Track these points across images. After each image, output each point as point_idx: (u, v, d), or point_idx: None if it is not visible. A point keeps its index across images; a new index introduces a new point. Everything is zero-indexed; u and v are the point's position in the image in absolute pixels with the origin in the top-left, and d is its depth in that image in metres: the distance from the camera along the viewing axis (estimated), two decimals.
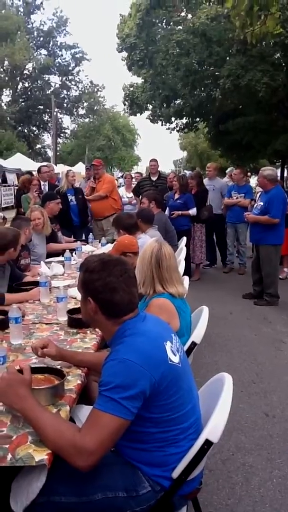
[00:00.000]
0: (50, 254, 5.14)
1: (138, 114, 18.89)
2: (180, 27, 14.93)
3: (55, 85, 45.49)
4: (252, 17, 5.82)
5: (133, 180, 9.56)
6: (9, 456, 1.45)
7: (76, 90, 46.78)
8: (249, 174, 12.97)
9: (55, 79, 45.89)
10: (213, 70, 13.90)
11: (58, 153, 39.60)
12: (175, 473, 1.58)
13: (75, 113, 47.10)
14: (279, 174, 14.97)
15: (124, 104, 18.86)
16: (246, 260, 8.09)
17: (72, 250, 4.96)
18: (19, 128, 41.18)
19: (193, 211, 7.14)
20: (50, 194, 6.16)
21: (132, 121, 47.29)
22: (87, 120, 46.45)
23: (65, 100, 45.67)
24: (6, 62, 37.93)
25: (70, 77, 46.19)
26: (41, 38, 44.55)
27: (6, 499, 1.51)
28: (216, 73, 13.51)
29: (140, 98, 17.42)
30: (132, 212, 6.46)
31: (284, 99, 13.30)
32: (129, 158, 47.68)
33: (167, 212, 7.08)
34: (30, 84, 43.88)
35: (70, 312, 2.81)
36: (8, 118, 37.52)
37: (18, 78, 42.18)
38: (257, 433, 3.15)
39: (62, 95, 45.40)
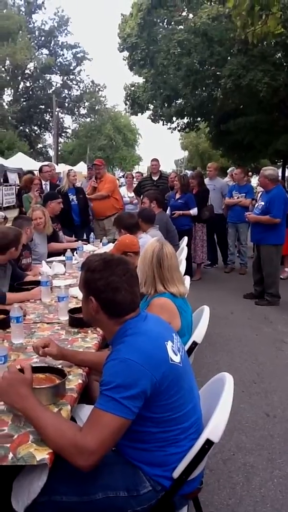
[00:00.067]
0: (51, 254, 5.15)
1: (139, 114, 18.91)
2: (181, 26, 14.93)
3: (56, 85, 45.58)
4: (253, 17, 5.81)
5: (134, 179, 9.55)
6: (11, 455, 1.45)
7: (77, 90, 46.87)
8: (250, 174, 12.95)
9: (57, 78, 46.01)
10: (214, 70, 13.90)
11: (59, 153, 39.59)
12: (176, 473, 1.59)
13: (77, 112, 47.14)
14: (280, 174, 14.96)
15: (126, 104, 18.87)
16: (247, 260, 8.08)
17: (73, 250, 4.97)
18: (21, 127, 41.20)
19: (194, 211, 7.14)
20: (52, 194, 6.17)
21: (133, 121, 47.36)
22: (88, 119, 46.47)
23: (67, 100, 45.68)
24: (7, 62, 37.95)
25: (71, 77, 46.22)
26: (43, 38, 44.57)
27: (8, 498, 1.52)
28: (217, 73, 13.51)
29: (141, 97, 17.43)
30: (134, 211, 6.46)
31: (285, 99, 13.29)
32: (131, 157, 47.68)
33: (168, 211, 7.08)
34: (31, 83, 43.89)
35: (71, 311, 2.82)
36: (10, 118, 37.52)
37: (19, 78, 42.20)
38: (258, 433, 3.15)
39: (64, 95, 45.40)
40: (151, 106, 18.12)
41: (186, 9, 15.47)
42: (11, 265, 3.63)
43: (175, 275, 2.64)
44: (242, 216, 7.14)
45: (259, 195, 7.15)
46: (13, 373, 1.61)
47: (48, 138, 46.50)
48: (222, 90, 13.08)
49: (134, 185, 9.03)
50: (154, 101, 17.38)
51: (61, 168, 20.66)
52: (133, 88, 18.13)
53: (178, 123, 19.22)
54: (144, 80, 17.47)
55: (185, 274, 3.61)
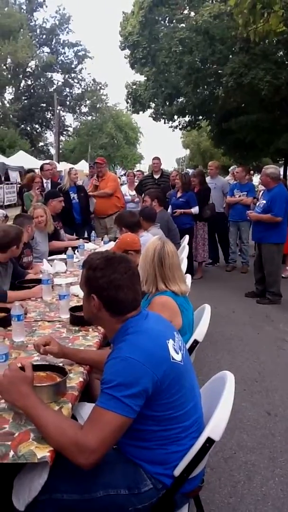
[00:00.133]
0: (52, 252, 5.15)
1: (141, 112, 18.92)
2: (183, 25, 14.92)
3: (57, 83, 45.59)
4: (255, 15, 5.82)
5: (135, 178, 9.55)
6: (11, 453, 1.45)
7: (78, 88, 46.88)
8: (251, 172, 12.94)
9: (58, 77, 46.03)
10: (216, 68, 13.89)
11: (60, 151, 39.54)
12: (177, 471, 1.58)
13: (78, 111, 47.15)
14: (282, 173, 14.96)
15: (127, 102, 18.87)
16: (248, 258, 8.08)
17: (74, 248, 4.97)
18: (22, 126, 41.24)
19: (195, 210, 7.13)
20: (53, 192, 6.16)
21: (134, 119, 47.38)
22: (89, 118, 46.49)
23: (68, 98, 45.67)
24: (9, 60, 37.95)
25: (72, 75, 46.21)
26: (44, 36, 44.56)
27: (9, 496, 1.52)
28: (219, 71, 13.50)
29: (143, 96, 17.43)
30: (135, 210, 6.46)
31: (287, 97, 13.27)
32: (132, 156, 47.68)
33: (169, 210, 7.08)
34: (32, 82, 43.90)
35: (72, 309, 2.82)
36: (11, 116, 37.57)
37: (20, 76, 42.21)
38: (259, 431, 3.15)
39: (65, 93, 45.39)
40: (153, 105, 18.12)
41: (187, 7, 15.46)
42: (12, 263, 3.62)
43: (176, 273, 2.64)
44: (244, 215, 7.14)
45: (261, 193, 7.14)
46: (14, 371, 1.61)
47: (50, 136, 46.62)
48: (224, 88, 13.08)
49: (136, 184, 9.02)
50: (155, 100, 17.38)
51: (62, 167, 20.63)
52: (134, 87, 18.13)
53: (179, 121, 19.23)
54: (145, 78, 17.47)
55: (186, 273, 3.61)
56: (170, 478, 1.59)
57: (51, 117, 43.56)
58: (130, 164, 45.37)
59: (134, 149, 49.38)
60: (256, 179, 13.92)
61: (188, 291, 2.75)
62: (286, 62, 12.55)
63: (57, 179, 8.77)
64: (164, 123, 18.73)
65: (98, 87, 46.41)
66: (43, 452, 1.45)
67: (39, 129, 46.22)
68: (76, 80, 46.60)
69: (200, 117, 18.07)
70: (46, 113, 44.94)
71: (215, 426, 1.55)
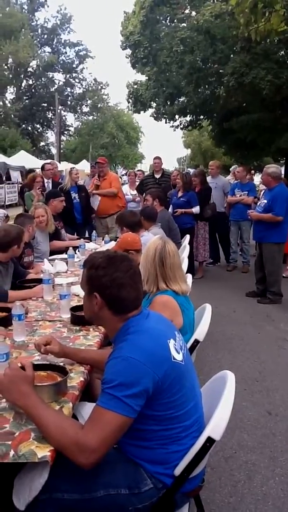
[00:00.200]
0: (53, 252, 5.15)
1: (142, 112, 18.90)
2: (184, 24, 14.92)
3: (59, 83, 45.57)
4: (257, 14, 5.82)
5: (136, 178, 9.56)
6: (12, 452, 1.45)
7: (80, 88, 46.86)
8: (252, 172, 12.94)
9: (59, 76, 46.03)
10: (217, 67, 13.89)
11: (61, 151, 39.55)
12: (177, 471, 1.58)
13: (79, 110, 47.14)
14: (283, 172, 14.94)
15: (128, 102, 18.87)
16: (249, 258, 8.08)
17: (75, 248, 4.97)
18: (23, 125, 41.23)
19: (196, 209, 7.13)
20: (54, 192, 6.16)
21: (136, 119, 47.37)
22: (91, 117, 46.47)
23: (69, 98, 45.67)
24: (10, 60, 37.97)
25: (74, 75, 46.19)
26: (45, 36, 44.56)
27: (9, 495, 1.52)
28: (220, 71, 13.50)
29: (144, 95, 17.42)
30: (136, 209, 6.46)
31: None
32: (133, 156, 47.67)
33: (170, 210, 7.08)
34: (34, 81, 43.90)
35: (73, 309, 2.82)
36: (12, 116, 37.56)
37: (22, 76, 42.22)
38: (260, 431, 3.15)
39: (66, 93, 45.40)
40: (154, 104, 18.11)
41: (188, 7, 15.45)
42: (13, 263, 3.63)
43: (177, 273, 2.64)
44: (245, 214, 7.14)
45: (262, 193, 7.14)
46: (15, 370, 1.61)
47: (51, 136, 46.59)
48: (225, 88, 13.06)
49: (137, 183, 9.03)
50: (156, 99, 17.37)
51: (64, 166, 20.66)
52: (135, 86, 18.12)
53: (180, 121, 19.21)
54: (146, 78, 17.46)
55: (187, 272, 3.61)
56: (170, 477, 1.59)
57: (52, 116, 43.54)
58: (131, 163, 45.37)
59: (135, 149, 49.38)
60: (257, 179, 13.93)
61: (189, 291, 2.75)
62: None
63: (58, 178, 8.78)
64: (165, 122, 18.72)
65: (99, 87, 46.42)
66: (43, 452, 1.45)
67: (40, 128, 46.23)
68: (77, 80, 46.63)
69: (201, 117, 18.05)
70: (47, 112, 44.94)
71: (216, 426, 1.55)
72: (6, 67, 38.82)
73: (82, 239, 5.71)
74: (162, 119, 18.49)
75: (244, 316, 5.71)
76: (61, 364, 2.05)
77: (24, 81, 43.36)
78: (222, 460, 2.80)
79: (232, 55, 13.31)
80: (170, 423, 1.59)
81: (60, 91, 42.19)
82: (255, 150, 17.31)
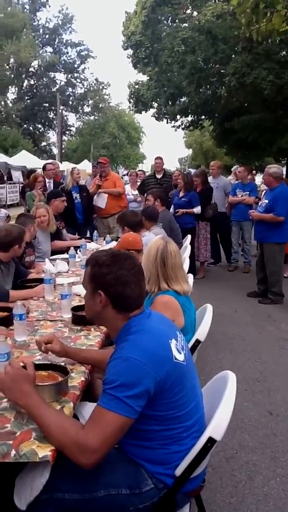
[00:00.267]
0: (54, 252, 5.15)
1: (143, 112, 18.91)
2: (185, 24, 14.92)
3: (60, 83, 45.61)
4: (258, 14, 5.82)
5: (137, 178, 9.57)
6: (13, 452, 1.46)
7: (81, 88, 46.91)
8: (254, 172, 12.93)
9: (61, 76, 46.04)
10: (218, 67, 13.89)
11: (63, 151, 39.59)
12: (178, 471, 1.58)
13: (81, 110, 47.15)
14: (284, 172, 14.92)
15: (130, 102, 18.87)
16: (251, 258, 8.07)
17: (76, 248, 4.97)
18: (25, 125, 41.26)
19: (197, 209, 7.13)
20: (56, 192, 6.17)
21: (137, 119, 47.38)
22: (92, 117, 46.49)
23: (71, 98, 45.71)
24: (11, 60, 38.03)
25: (75, 75, 46.22)
26: (47, 36, 44.61)
27: (10, 495, 1.52)
28: (222, 71, 13.49)
29: (145, 95, 17.42)
30: (137, 209, 6.46)
31: None
32: (134, 156, 47.68)
33: (171, 210, 7.08)
34: (35, 81, 43.95)
35: (75, 309, 2.82)
36: (14, 116, 37.61)
37: (23, 76, 42.28)
38: (261, 431, 3.14)
39: (68, 93, 45.45)
40: (155, 104, 18.11)
41: (190, 7, 15.45)
42: (14, 263, 3.63)
43: (179, 273, 2.64)
44: (246, 214, 7.13)
45: (263, 193, 7.14)
46: (16, 369, 1.61)
47: (52, 136, 46.62)
48: (226, 88, 13.06)
49: (138, 183, 9.03)
50: (158, 99, 17.37)
51: (65, 166, 20.70)
52: (137, 86, 18.12)
53: (182, 121, 19.21)
54: (148, 78, 17.47)
55: (188, 273, 3.61)
56: (171, 478, 1.59)
57: (54, 116, 43.57)
58: (132, 164, 45.40)
59: (136, 149, 49.38)
60: (258, 179, 13.92)
61: (190, 291, 2.75)
62: None
63: (59, 178, 8.78)
64: (167, 122, 18.73)
65: (101, 87, 46.42)
66: (44, 451, 1.45)
67: (42, 128, 46.26)
68: (78, 80, 46.67)
69: (203, 117, 18.05)
70: (49, 112, 44.97)
71: (217, 426, 1.55)
72: (7, 67, 38.89)
73: (83, 239, 5.72)
74: (164, 119, 18.50)
75: (245, 317, 5.70)
76: (62, 364, 2.05)
77: (26, 81, 43.42)
78: (223, 460, 2.79)
79: (233, 55, 13.31)
80: (171, 423, 1.59)
81: (61, 91, 42.22)
82: (256, 150, 17.30)
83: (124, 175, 24.38)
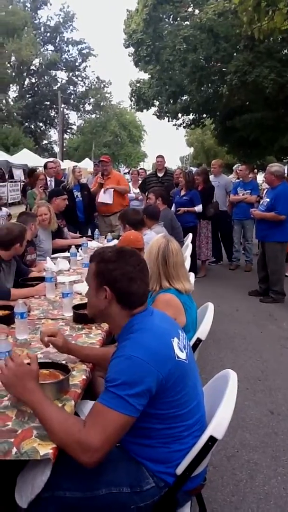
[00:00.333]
0: (56, 250, 5.15)
1: (144, 110, 18.88)
2: (187, 22, 14.89)
3: (61, 81, 45.54)
4: (260, 12, 5.80)
5: (139, 176, 9.56)
6: (14, 450, 1.46)
7: (82, 86, 46.82)
8: (255, 171, 12.93)
9: (62, 74, 45.93)
10: (220, 66, 13.88)
11: (64, 149, 39.59)
12: (179, 470, 1.58)
13: (82, 109, 47.10)
14: (286, 171, 14.91)
15: (131, 100, 18.85)
16: (252, 257, 8.07)
17: (78, 246, 4.97)
18: (26, 124, 41.23)
19: (198, 208, 7.13)
20: (57, 190, 6.16)
21: (138, 117, 47.33)
22: (93, 116, 46.44)
23: (72, 96, 45.66)
24: (13, 58, 37.97)
25: (76, 73, 46.15)
26: (48, 34, 44.55)
27: (12, 493, 1.52)
28: (223, 69, 13.49)
29: (146, 94, 17.40)
30: (139, 208, 6.45)
31: None
32: (136, 154, 47.63)
33: (173, 208, 7.07)
34: (36, 79, 43.91)
35: (76, 307, 2.82)
36: (15, 114, 37.57)
37: (25, 74, 42.22)
38: (262, 430, 3.14)
39: (69, 91, 45.38)
40: (157, 103, 18.10)
41: (192, 5, 15.41)
42: (15, 261, 3.63)
43: (180, 271, 2.64)
44: (248, 213, 7.13)
45: (265, 191, 7.13)
46: (20, 366, 1.61)
47: (53, 134, 46.59)
48: (228, 86, 13.05)
49: (139, 182, 9.03)
50: (159, 98, 17.36)
51: (66, 165, 20.64)
52: (138, 85, 18.10)
53: (183, 119, 19.20)
54: (149, 76, 17.44)
55: (189, 271, 3.61)
56: (172, 476, 1.59)
57: (55, 115, 43.56)
58: (133, 162, 45.34)
59: (138, 147, 49.32)
60: (260, 178, 13.91)
61: (192, 290, 2.74)
62: None
63: (60, 177, 8.76)
64: (168, 121, 18.72)
65: (102, 85, 46.36)
66: (45, 449, 1.45)
67: (43, 127, 46.25)
68: (80, 78, 46.60)
69: (204, 115, 18.04)
70: (50, 111, 44.94)
71: (218, 425, 1.55)
72: (9, 65, 38.84)
73: (84, 238, 5.71)
74: (165, 117, 18.49)
75: (246, 315, 5.70)
76: (64, 362, 2.05)
77: (27, 79, 43.38)
78: (224, 459, 2.80)
79: (235, 54, 13.29)
80: (173, 421, 1.59)
81: (63, 89, 42.19)
82: (258, 148, 17.28)
83: (125, 173, 24.36)
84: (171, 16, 15.96)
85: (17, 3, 40.87)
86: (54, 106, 42.02)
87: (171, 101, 17.03)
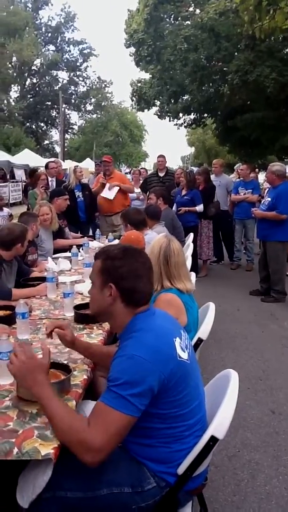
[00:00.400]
0: (57, 250, 5.15)
1: (145, 110, 18.91)
2: (188, 22, 14.89)
3: (63, 81, 45.57)
4: (261, 11, 5.80)
5: (140, 176, 9.56)
6: (16, 450, 1.46)
7: (83, 86, 46.84)
8: (257, 170, 12.91)
9: (63, 75, 45.97)
10: (221, 65, 13.88)
11: (65, 149, 39.61)
12: (181, 469, 1.58)
13: (83, 109, 47.12)
14: (287, 170, 14.90)
15: (132, 100, 18.88)
16: (253, 256, 8.06)
17: (79, 246, 4.97)
18: (27, 124, 41.29)
19: (200, 208, 7.12)
20: (58, 190, 6.16)
21: (139, 117, 47.29)
22: (94, 116, 46.45)
23: (73, 96, 45.68)
24: (14, 58, 38.01)
25: (78, 73, 46.17)
26: (49, 34, 44.58)
27: (13, 493, 1.52)
28: (224, 69, 13.49)
29: (147, 93, 17.42)
30: (140, 207, 6.45)
31: None
32: (137, 154, 47.61)
33: (174, 208, 7.07)
34: (38, 80, 43.94)
35: (77, 307, 2.82)
36: (16, 114, 37.61)
37: (26, 74, 42.26)
38: (263, 430, 3.14)
39: (70, 91, 45.40)
40: (158, 102, 18.11)
41: (193, 4, 15.42)
42: (17, 261, 3.63)
43: (181, 271, 2.64)
44: (249, 212, 7.13)
45: (266, 191, 7.13)
46: (31, 359, 1.61)
47: (55, 134, 46.66)
48: (229, 86, 13.05)
49: (140, 181, 9.02)
50: (160, 97, 17.37)
51: (67, 165, 20.63)
52: (139, 84, 18.11)
53: (184, 119, 19.21)
54: (150, 76, 17.45)
55: (191, 271, 3.60)
56: (173, 476, 1.59)
57: (56, 115, 43.60)
58: (135, 162, 45.32)
59: (139, 147, 49.30)
60: (261, 177, 13.89)
61: (193, 289, 2.74)
62: None
63: (62, 177, 8.77)
64: (169, 121, 18.74)
65: (103, 85, 46.38)
66: (47, 449, 1.45)
67: (44, 127, 46.29)
68: (81, 78, 46.63)
69: (205, 115, 18.05)
70: (51, 111, 44.98)
71: (219, 425, 1.54)
72: (10, 65, 38.86)
73: (86, 238, 5.71)
74: (166, 117, 18.50)
75: (248, 315, 5.70)
76: (65, 362, 2.05)
77: (28, 79, 43.41)
78: (225, 459, 2.79)
79: (236, 53, 13.29)
80: (174, 421, 1.59)
81: (64, 89, 42.20)
82: (259, 148, 17.28)
83: (126, 173, 24.36)
84: (172, 16, 15.97)
85: (18, 3, 40.92)
86: (55, 106, 42.06)
87: (172, 101, 17.04)
